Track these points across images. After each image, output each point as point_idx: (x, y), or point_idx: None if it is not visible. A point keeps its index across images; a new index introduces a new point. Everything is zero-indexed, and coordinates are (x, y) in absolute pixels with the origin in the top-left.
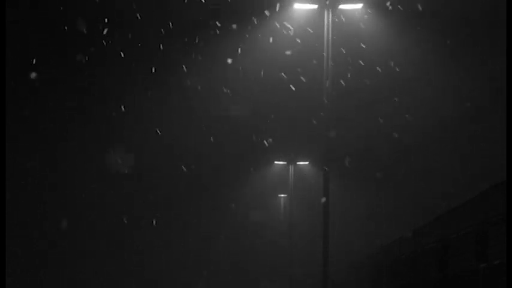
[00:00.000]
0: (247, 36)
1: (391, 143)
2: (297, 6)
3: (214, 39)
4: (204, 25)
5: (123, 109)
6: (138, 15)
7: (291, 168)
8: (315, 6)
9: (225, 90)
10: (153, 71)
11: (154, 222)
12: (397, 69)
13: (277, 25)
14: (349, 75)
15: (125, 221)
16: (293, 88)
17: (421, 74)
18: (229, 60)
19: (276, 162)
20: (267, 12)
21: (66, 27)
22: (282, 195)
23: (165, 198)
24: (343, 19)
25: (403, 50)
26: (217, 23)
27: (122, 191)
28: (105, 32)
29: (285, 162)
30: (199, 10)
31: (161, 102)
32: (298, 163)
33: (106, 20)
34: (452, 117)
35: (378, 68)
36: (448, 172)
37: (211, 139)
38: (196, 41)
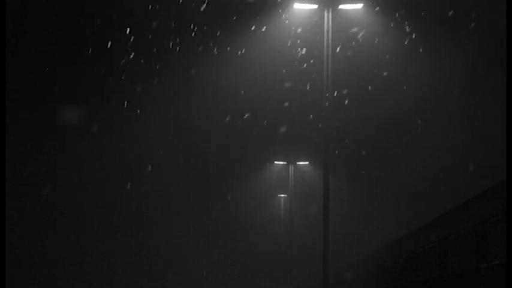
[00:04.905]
0: (247, 36)
1: (392, 141)
2: (297, 6)
3: (215, 39)
4: (203, 25)
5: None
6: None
7: (291, 168)
8: (315, 6)
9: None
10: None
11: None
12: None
13: (277, 24)
14: (348, 74)
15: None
16: (292, 86)
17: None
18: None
19: (276, 162)
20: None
21: None
22: (282, 195)
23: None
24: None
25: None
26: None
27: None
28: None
29: (285, 162)
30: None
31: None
32: (298, 163)
33: None
34: (451, 114)
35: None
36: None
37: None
38: (196, 41)
